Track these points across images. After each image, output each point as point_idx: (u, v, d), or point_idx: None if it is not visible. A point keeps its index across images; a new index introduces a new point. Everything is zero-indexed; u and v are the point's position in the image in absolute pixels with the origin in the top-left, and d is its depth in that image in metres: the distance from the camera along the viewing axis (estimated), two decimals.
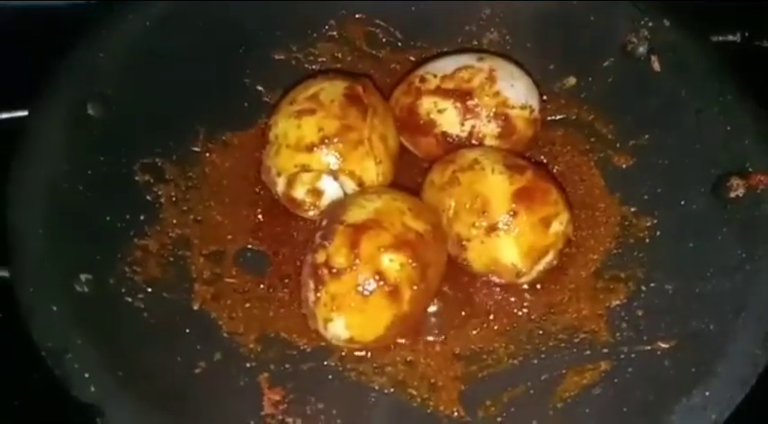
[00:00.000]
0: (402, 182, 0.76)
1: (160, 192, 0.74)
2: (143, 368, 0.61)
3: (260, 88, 0.83)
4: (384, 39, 0.86)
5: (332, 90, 0.72)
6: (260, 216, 0.77)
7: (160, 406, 0.58)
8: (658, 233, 0.72)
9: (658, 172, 0.74)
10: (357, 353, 0.68)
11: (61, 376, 0.56)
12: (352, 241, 0.63)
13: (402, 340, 0.69)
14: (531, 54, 0.83)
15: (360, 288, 0.62)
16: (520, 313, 0.71)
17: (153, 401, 0.58)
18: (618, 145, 0.78)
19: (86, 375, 0.57)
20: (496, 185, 0.68)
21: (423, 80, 0.75)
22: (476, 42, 0.85)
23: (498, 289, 0.72)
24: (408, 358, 0.69)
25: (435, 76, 0.75)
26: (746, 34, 0.78)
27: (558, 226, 0.68)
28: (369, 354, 0.68)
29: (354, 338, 0.64)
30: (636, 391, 0.61)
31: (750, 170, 0.67)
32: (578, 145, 0.80)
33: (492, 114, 0.73)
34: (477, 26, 0.85)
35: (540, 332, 0.70)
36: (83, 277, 0.63)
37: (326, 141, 0.70)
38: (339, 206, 0.68)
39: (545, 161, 0.79)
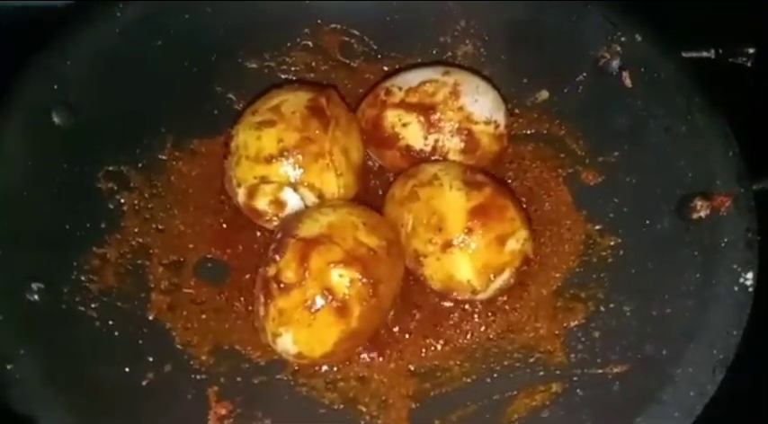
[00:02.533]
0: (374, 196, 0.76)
1: (123, 200, 0.74)
2: (88, 380, 0.61)
3: (231, 96, 0.82)
4: (359, 49, 0.85)
5: (295, 101, 0.72)
6: (223, 226, 0.76)
7: (102, 419, 0.58)
8: (621, 252, 0.71)
9: (625, 191, 0.73)
10: (310, 368, 0.67)
11: (1, 387, 0.56)
12: (302, 255, 0.63)
13: (356, 356, 0.68)
14: (504, 67, 0.82)
15: (308, 304, 0.62)
16: (478, 331, 0.71)
17: (94, 415, 0.58)
18: (587, 161, 0.77)
19: (26, 388, 0.57)
20: (453, 201, 0.67)
21: (388, 93, 0.75)
22: (450, 54, 0.84)
23: (457, 306, 0.71)
24: (362, 374, 0.68)
25: (401, 89, 0.74)
26: (720, 50, 0.76)
27: (514, 244, 0.67)
28: (322, 369, 0.68)
29: (302, 353, 0.64)
30: (582, 415, 0.60)
31: (714, 191, 0.66)
32: (548, 161, 0.79)
33: (455, 129, 0.73)
34: (452, 38, 0.84)
35: (497, 351, 0.69)
36: (35, 285, 0.63)
37: (286, 153, 0.69)
38: (294, 219, 0.68)
39: (513, 176, 0.78)
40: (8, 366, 0.57)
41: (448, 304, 0.71)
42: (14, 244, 0.64)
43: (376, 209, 0.73)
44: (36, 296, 0.63)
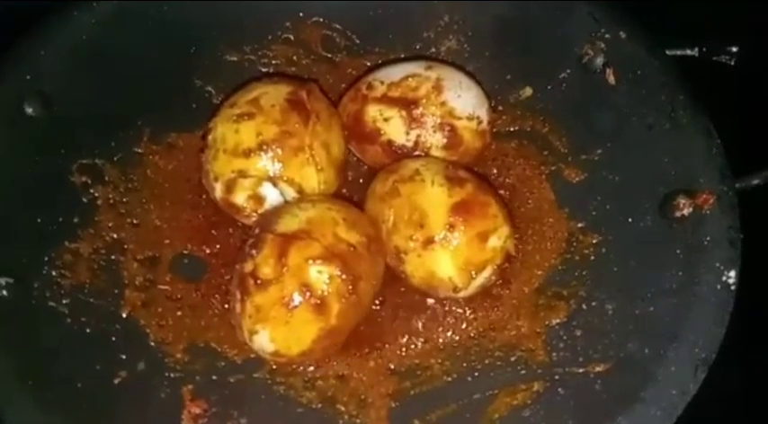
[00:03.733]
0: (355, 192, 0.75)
1: (97, 194, 0.72)
2: (58, 376, 0.59)
3: (210, 89, 0.81)
4: (341, 44, 0.84)
5: (274, 94, 0.71)
6: (200, 221, 0.75)
7: (70, 417, 0.57)
8: (604, 250, 0.70)
9: (608, 188, 0.73)
10: (288, 366, 0.66)
11: None
12: (281, 251, 0.62)
13: (334, 354, 0.66)
14: (488, 63, 0.81)
15: (285, 301, 0.61)
16: (459, 329, 0.70)
17: (63, 412, 0.57)
18: (570, 159, 0.76)
19: None
20: (435, 197, 0.66)
21: (370, 87, 0.74)
22: (434, 49, 0.83)
23: (438, 304, 0.70)
24: (341, 373, 0.67)
25: (382, 84, 0.73)
26: (704, 49, 0.76)
27: (496, 241, 0.66)
28: (300, 367, 0.67)
29: (279, 351, 0.62)
30: (563, 414, 0.60)
31: (697, 189, 0.65)
32: (531, 158, 0.78)
33: (438, 124, 0.72)
34: (436, 33, 0.83)
35: (478, 349, 0.68)
36: (3, 280, 0.62)
37: (265, 147, 0.68)
38: (273, 214, 0.66)
39: (496, 173, 0.78)
40: None
41: (429, 301, 0.70)
42: None
43: (357, 205, 0.71)
44: (5, 292, 0.61)
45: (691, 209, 0.65)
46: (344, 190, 0.77)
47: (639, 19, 0.75)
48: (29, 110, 0.69)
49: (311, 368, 0.67)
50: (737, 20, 0.83)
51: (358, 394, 0.65)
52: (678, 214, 0.66)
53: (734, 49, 0.76)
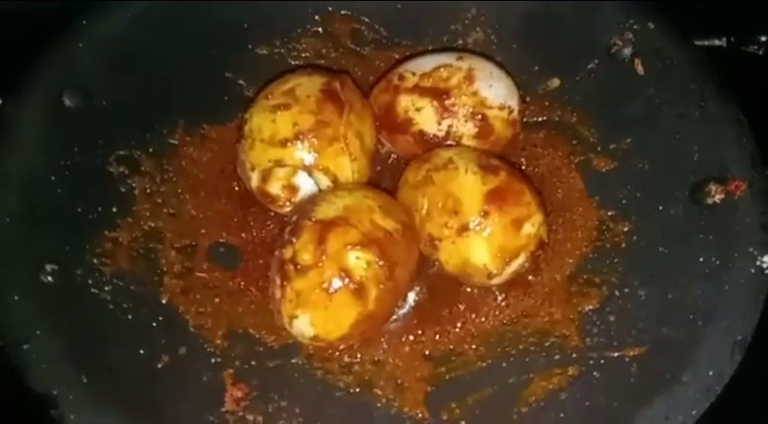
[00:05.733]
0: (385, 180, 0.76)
1: (134, 184, 0.73)
2: (104, 361, 0.61)
3: (241, 82, 0.82)
4: (369, 37, 0.85)
5: (309, 85, 0.72)
6: (235, 211, 0.76)
7: (118, 399, 0.58)
8: (635, 238, 0.71)
9: (638, 177, 0.73)
10: (325, 351, 0.67)
11: (18, 367, 0.56)
12: (320, 237, 0.63)
13: (370, 339, 0.67)
14: (515, 54, 0.82)
15: (325, 286, 0.62)
16: (493, 315, 0.71)
17: (111, 395, 0.58)
18: (599, 148, 0.77)
19: (43, 367, 0.56)
20: (469, 185, 0.67)
21: (401, 78, 0.75)
22: (461, 41, 0.84)
23: (472, 290, 0.71)
24: (377, 358, 0.68)
25: (414, 74, 0.74)
26: (732, 39, 0.77)
27: (530, 228, 0.67)
28: (337, 352, 0.68)
29: (319, 335, 0.63)
30: (601, 397, 0.61)
31: (728, 176, 0.66)
32: (560, 148, 0.79)
33: (469, 114, 0.73)
34: (463, 25, 0.84)
35: (511, 335, 0.69)
36: (48, 267, 0.63)
37: (301, 136, 0.69)
38: (310, 202, 0.67)
39: (525, 163, 0.78)
40: (25, 346, 0.57)
41: (463, 288, 0.71)
42: (28, 226, 0.64)
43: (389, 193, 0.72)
44: (50, 278, 0.63)
45: (722, 196, 0.66)
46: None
47: (667, 9, 0.75)
48: (68, 103, 0.71)
49: (347, 354, 0.68)
50: (766, 9, 0.83)
51: (394, 379, 0.66)
52: (710, 200, 0.67)
53: (762, 39, 0.77)
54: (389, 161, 0.80)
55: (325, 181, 0.71)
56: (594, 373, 0.63)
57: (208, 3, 0.78)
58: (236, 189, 0.76)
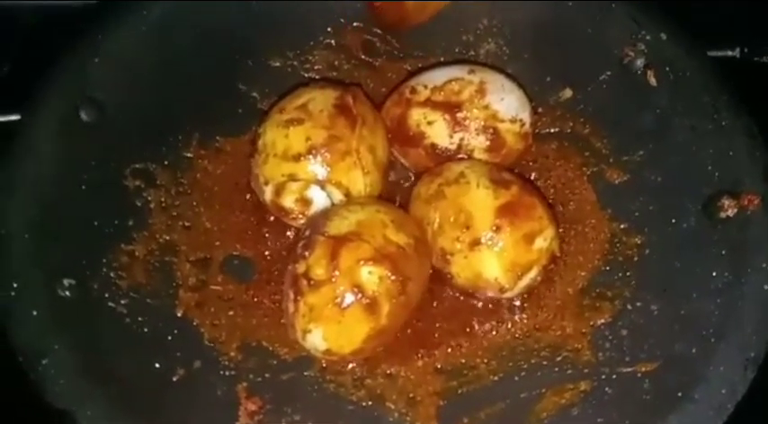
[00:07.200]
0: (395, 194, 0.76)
1: (150, 198, 0.74)
2: (120, 375, 0.61)
3: (255, 94, 0.83)
4: (381, 48, 0.85)
5: (322, 99, 0.72)
6: (249, 223, 0.77)
7: (134, 413, 0.59)
8: (647, 251, 0.71)
9: (651, 189, 0.73)
10: (338, 365, 0.68)
11: (36, 381, 0.57)
12: (332, 252, 0.63)
13: (382, 353, 0.68)
14: (527, 65, 0.82)
15: (338, 301, 0.62)
16: (505, 329, 0.71)
17: (127, 409, 0.59)
18: (611, 160, 0.77)
19: (61, 381, 0.57)
20: (481, 200, 0.67)
21: (413, 91, 0.75)
22: (473, 53, 0.84)
23: (483, 304, 0.71)
24: (389, 371, 0.69)
25: (426, 88, 0.75)
26: (745, 50, 0.76)
27: (542, 242, 0.67)
28: (349, 366, 0.68)
29: (332, 350, 0.64)
30: (613, 413, 0.60)
31: (742, 190, 0.66)
32: (572, 159, 0.79)
33: (481, 127, 0.73)
34: (475, 37, 0.84)
35: (523, 349, 0.69)
36: (66, 281, 0.64)
37: (314, 151, 0.69)
38: (322, 216, 0.68)
39: (537, 174, 0.78)
40: (43, 361, 0.58)
41: (474, 302, 0.71)
42: (45, 241, 0.65)
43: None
44: (67, 292, 0.63)
45: (735, 210, 0.66)
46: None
47: (680, 20, 0.75)
48: (84, 117, 0.71)
49: (359, 367, 0.68)
50: None
51: (406, 393, 0.67)
52: (723, 215, 0.66)
53: None
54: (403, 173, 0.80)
55: (338, 195, 0.71)
56: (606, 388, 0.63)
57: (220, 15, 0.79)
58: (250, 202, 0.77)
